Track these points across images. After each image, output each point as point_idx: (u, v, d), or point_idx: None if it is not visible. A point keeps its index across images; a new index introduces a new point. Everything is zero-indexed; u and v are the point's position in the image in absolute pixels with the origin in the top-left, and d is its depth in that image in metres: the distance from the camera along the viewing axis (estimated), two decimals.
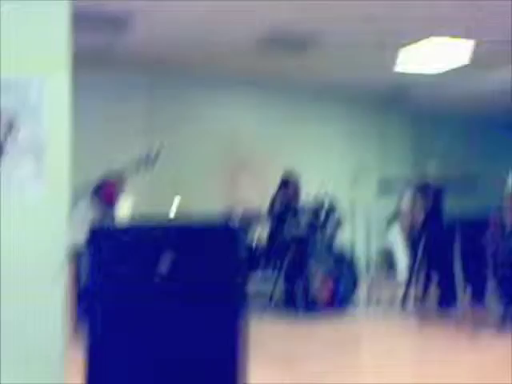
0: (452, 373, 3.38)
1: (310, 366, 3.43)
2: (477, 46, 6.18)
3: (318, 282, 5.30)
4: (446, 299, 5.25)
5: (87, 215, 3.22)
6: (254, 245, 5.76)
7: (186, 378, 2.24)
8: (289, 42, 6.07)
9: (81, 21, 5.18)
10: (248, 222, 5.88)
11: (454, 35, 6.03)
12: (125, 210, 2.53)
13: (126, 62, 6.62)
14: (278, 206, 5.91)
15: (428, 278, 5.64)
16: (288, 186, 6.01)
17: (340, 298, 5.38)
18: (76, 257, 2.51)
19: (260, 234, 5.93)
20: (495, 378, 3.28)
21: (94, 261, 2.22)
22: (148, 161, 2.59)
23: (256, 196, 6.35)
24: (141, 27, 5.56)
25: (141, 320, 2.21)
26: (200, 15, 5.29)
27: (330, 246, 5.62)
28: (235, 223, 2.27)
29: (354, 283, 5.52)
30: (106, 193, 4.05)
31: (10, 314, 2.06)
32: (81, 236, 2.19)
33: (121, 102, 6.76)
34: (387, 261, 8.21)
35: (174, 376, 2.23)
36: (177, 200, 2.48)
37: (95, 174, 4.39)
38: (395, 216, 6.83)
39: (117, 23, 5.48)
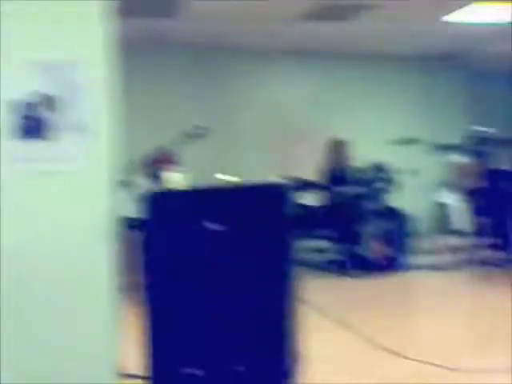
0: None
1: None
2: None
3: (372, 244, 5.32)
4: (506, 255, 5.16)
5: (145, 188, 3.37)
6: (308, 208, 5.83)
7: (240, 328, 2.37)
8: (337, 10, 5.99)
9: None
10: (301, 187, 5.95)
11: None
12: (178, 182, 2.66)
13: (176, 44, 6.75)
14: (329, 170, 5.94)
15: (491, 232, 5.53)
16: (338, 150, 6.02)
17: (394, 260, 5.39)
18: (131, 228, 2.66)
19: (314, 198, 5.99)
20: None
21: (154, 220, 2.37)
22: (197, 134, 2.69)
23: (307, 165, 6.37)
24: (188, 11, 5.64)
25: (196, 272, 2.35)
26: None
27: (383, 208, 5.61)
28: (280, 183, 2.35)
29: (407, 241, 5.50)
30: (160, 166, 4.25)
31: (58, 283, 2.20)
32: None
33: (171, 78, 6.92)
34: (443, 214, 8.10)
35: (229, 325, 2.38)
36: (226, 176, 2.58)
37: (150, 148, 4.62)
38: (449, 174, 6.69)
39: (165, 8, 5.58)
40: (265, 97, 7.42)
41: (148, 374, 2.34)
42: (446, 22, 6.68)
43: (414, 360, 2.66)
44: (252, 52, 7.14)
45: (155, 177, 3.48)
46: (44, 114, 2.08)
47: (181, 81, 6.95)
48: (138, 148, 3.73)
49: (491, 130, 5.69)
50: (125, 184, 2.55)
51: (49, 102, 2.07)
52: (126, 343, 2.36)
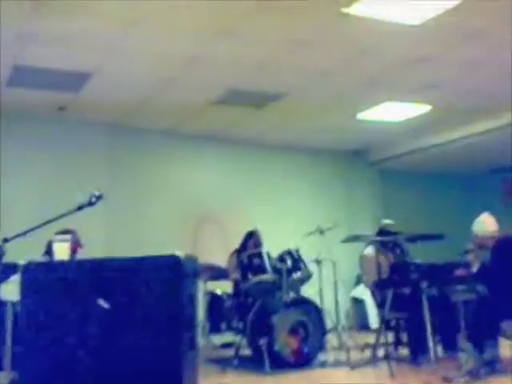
0: None
1: None
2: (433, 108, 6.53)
3: (284, 337, 5.08)
4: (417, 348, 5.11)
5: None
6: (219, 297, 5.58)
7: None
8: (249, 98, 6.24)
9: (37, 77, 5.32)
10: (211, 274, 5.72)
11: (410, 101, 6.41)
12: (66, 253, 2.40)
13: (82, 121, 6.65)
14: (242, 259, 5.77)
15: (398, 327, 5.53)
16: (252, 239, 5.92)
17: (307, 354, 5.16)
18: None
19: (225, 287, 5.75)
20: None
21: (27, 294, 2.08)
22: (92, 202, 2.47)
23: (219, 249, 6.22)
24: (96, 86, 5.62)
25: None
26: (159, 71, 5.40)
27: (296, 299, 5.44)
28: (178, 255, 2.14)
29: (321, 336, 5.31)
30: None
31: None
32: None
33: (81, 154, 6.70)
34: (358, 312, 8.07)
35: None
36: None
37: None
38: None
39: (72, 82, 5.54)
40: (175, 178, 7.37)
41: None
42: (359, 120, 7.17)
43: None
44: (160, 135, 7.16)
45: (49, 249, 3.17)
46: None
47: (86, 155, 6.76)
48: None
49: (390, 222, 5.86)
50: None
51: None
52: None
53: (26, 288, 2.14)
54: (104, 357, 2.08)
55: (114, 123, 6.85)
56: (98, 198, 2.48)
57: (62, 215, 2.43)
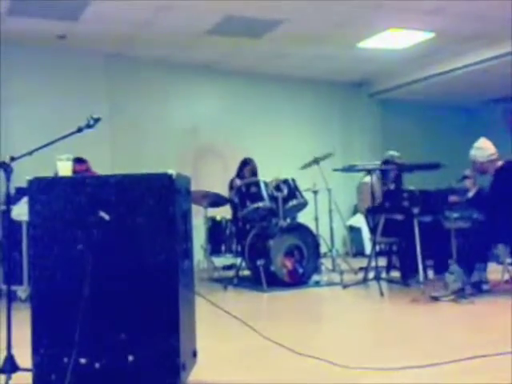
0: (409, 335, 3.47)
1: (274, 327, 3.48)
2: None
3: (280, 259, 5.35)
4: (408, 271, 5.36)
5: None
6: (219, 223, 5.82)
7: (130, 319, 2.28)
8: (246, 26, 6.17)
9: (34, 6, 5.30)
10: (213, 201, 5.93)
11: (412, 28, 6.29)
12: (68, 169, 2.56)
13: (81, 50, 6.64)
14: (243, 187, 5.96)
15: (390, 252, 5.78)
16: (248, 167, 6.09)
17: (302, 275, 5.45)
18: None
19: (225, 213, 5.97)
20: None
21: (35, 209, 2.26)
22: (88, 126, 2.59)
23: (218, 179, 6.39)
24: (94, 14, 5.59)
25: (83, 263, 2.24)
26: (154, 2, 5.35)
27: (292, 225, 5.68)
28: (170, 173, 2.29)
29: (316, 259, 5.58)
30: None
31: None
32: None
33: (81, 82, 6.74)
34: (354, 239, 8.34)
35: (117, 316, 2.28)
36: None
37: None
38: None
39: (71, 10, 5.51)
40: (173, 108, 7.43)
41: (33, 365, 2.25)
42: (360, 49, 7.08)
43: (311, 358, 2.68)
44: (159, 64, 7.15)
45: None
46: None
47: (86, 84, 6.80)
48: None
49: (396, 154, 5.95)
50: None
51: None
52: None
53: (32, 202, 2.30)
54: (107, 259, 2.29)
55: (113, 52, 6.84)
56: (96, 120, 2.60)
57: (63, 136, 2.56)
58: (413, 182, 5.81)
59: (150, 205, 2.27)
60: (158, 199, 2.27)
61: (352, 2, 5.62)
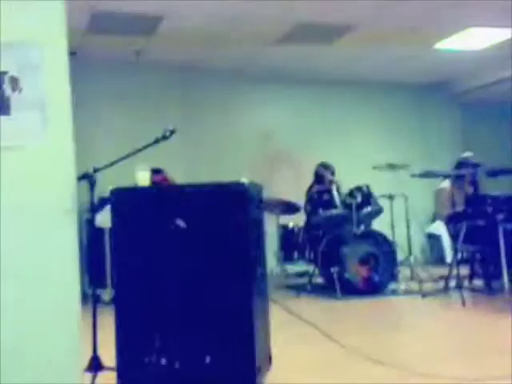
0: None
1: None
2: None
3: (355, 266, 5.28)
4: (491, 280, 5.11)
5: None
6: (292, 230, 5.84)
7: (207, 323, 2.34)
8: (318, 32, 6.16)
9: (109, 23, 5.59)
10: (285, 209, 5.96)
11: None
12: (146, 180, 2.69)
13: (156, 64, 6.91)
14: (315, 194, 5.95)
15: (473, 260, 5.53)
16: (324, 173, 6.05)
17: (377, 282, 5.34)
18: None
19: (298, 220, 5.98)
20: None
21: (117, 217, 2.40)
22: (166, 136, 2.71)
23: (291, 186, 6.41)
24: (169, 30, 5.81)
25: (162, 268, 2.35)
26: (226, 9, 5.48)
27: (366, 232, 5.59)
28: (243, 183, 2.34)
29: (393, 268, 5.45)
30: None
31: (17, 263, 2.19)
32: None
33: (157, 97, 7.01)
34: (434, 247, 8.05)
35: (195, 320, 2.35)
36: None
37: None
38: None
39: (146, 26, 5.77)
40: (247, 120, 7.53)
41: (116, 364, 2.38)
42: (438, 50, 6.86)
43: (387, 366, 2.63)
44: (231, 74, 7.28)
45: None
46: (5, 91, 2.14)
47: (157, 98, 7.05)
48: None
49: (470, 154, 5.72)
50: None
51: (10, 80, 2.13)
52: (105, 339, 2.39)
53: (114, 210, 2.44)
54: (184, 265, 2.38)
55: (187, 65, 7.06)
56: (172, 132, 2.71)
57: (141, 148, 2.69)
58: (495, 187, 5.55)
59: (224, 213, 2.34)
60: (231, 208, 2.34)
61: (426, 2, 5.45)
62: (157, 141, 2.72)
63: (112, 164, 2.66)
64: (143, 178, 2.66)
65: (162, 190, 2.49)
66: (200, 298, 2.36)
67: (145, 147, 2.70)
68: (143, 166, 2.65)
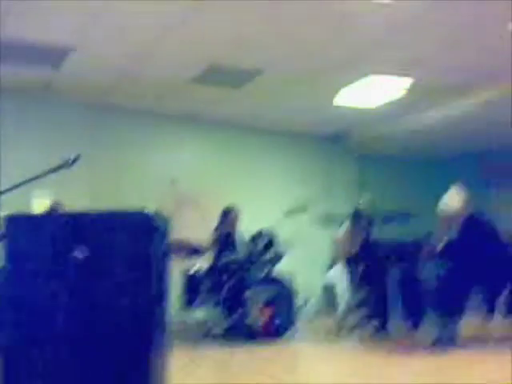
0: None
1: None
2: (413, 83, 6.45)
3: (257, 311, 5.27)
4: (383, 321, 5.32)
5: None
6: (195, 274, 5.74)
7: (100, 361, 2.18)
8: (226, 77, 6.24)
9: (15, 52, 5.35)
10: (188, 252, 5.86)
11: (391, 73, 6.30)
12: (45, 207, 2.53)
13: (64, 97, 6.69)
14: (218, 238, 5.93)
15: (367, 302, 5.74)
16: (228, 218, 6.07)
17: (278, 327, 5.36)
18: None
19: (201, 264, 5.90)
20: None
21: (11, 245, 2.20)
22: (64, 165, 2.57)
23: (196, 229, 6.33)
24: (76, 63, 5.66)
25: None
26: (136, 51, 5.45)
27: (268, 277, 5.64)
28: (149, 213, 2.26)
29: (292, 313, 5.51)
30: None
31: None
32: None
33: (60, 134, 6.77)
34: (328, 295, 8.24)
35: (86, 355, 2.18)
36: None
37: None
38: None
39: (53, 57, 5.59)
40: (155, 162, 7.44)
41: None
42: (337, 106, 7.16)
43: None
44: (142, 114, 7.21)
45: None
46: None
47: (66, 133, 6.81)
48: None
49: (366, 202, 6.05)
50: None
51: None
52: None
53: (9, 238, 2.24)
54: (81, 299, 2.22)
55: (94, 102, 6.89)
56: (74, 160, 2.58)
57: (40, 175, 2.52)
58: (387, 233, 5.89)
59: (126, 243, 2.23)
60: (134, 237, 2.24)
61: (328, 54, 5.54)
62: (58, 168, 2.58)
63: (4, 192, 2.46)
64: (40, 206, 2.50)
65: (60, 216, 2.33)
66: (95, 333, 2.20)
67: (43, 175, 2.54)
68: (40, 192, 2.49)
